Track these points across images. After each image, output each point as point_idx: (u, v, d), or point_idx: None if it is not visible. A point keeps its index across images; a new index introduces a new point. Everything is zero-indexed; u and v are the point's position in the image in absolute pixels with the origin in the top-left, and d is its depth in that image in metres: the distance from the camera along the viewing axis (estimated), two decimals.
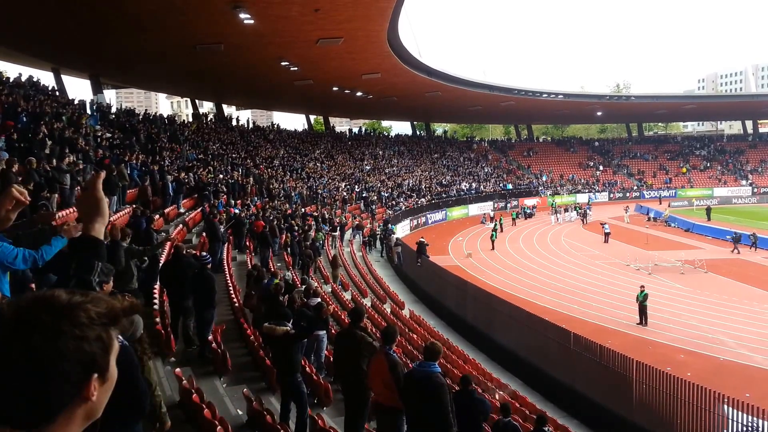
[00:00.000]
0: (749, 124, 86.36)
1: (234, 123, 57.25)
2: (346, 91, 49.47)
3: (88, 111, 31.81)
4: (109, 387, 1.33)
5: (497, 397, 14.30)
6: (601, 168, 76.79)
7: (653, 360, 16.40)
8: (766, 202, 66.42)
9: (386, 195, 54.03)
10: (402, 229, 46.74)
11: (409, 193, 57.66)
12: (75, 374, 1.21)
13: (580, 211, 58.08)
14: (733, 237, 40.18)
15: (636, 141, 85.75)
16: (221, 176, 31.53)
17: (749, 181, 72.30)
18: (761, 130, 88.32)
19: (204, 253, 13.64)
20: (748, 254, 37.49)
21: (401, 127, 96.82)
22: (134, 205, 18.89)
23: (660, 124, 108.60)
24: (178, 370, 9.33)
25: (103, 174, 2.44)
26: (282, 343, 8.87)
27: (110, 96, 52.56)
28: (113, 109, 37.51)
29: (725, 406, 12.64)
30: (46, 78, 35.37)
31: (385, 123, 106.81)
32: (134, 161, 23.05)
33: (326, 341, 12.77)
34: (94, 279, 2.17)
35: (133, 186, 20.98)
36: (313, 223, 32.03)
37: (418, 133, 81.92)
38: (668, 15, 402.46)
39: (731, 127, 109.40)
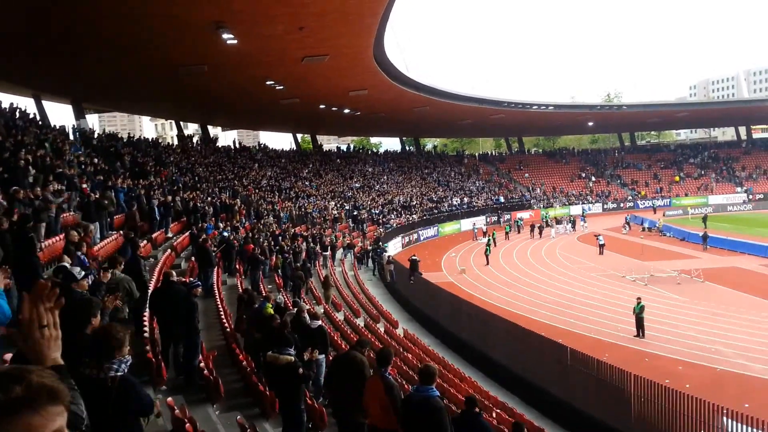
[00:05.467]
0: (743, 130, 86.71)
1: (219, 144, 57.17)
2: (334, 109, 49.36)
3: (71, 137, 31.56)
4: None
5: (494, 415, 14.09)
6: (593, 179, 76.93)
7: (651, 372, 16.27)
8: (761, 209, 66.45)
9: (377, 212, 53.88)
10: (394, 247, 46.61)
11: (400, 210, 57.53)
12: None
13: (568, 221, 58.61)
14: (703, 235, 43.17)
15: (629, 150, 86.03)
16: (209, 199, 31.35)
17: (744, 188, 72.54)
18: (755, 135, 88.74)
19: (192, 279, 13.42)
20: (742, 262, 37.54)
21: (390, 144, 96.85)
22: (122, 231, 18.70)
23: (653, 132, 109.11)
24: (170, 399, 9.10)
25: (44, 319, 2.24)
26: (286, 373, 8.75)
27: (93, 120, 52.37)
28: (96, 134, 37.17)
29: (724, 418, 12.51)
30: (26, 105, 35.07)
31: (373, 139, 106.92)
32: (120, 185, 22.85)
33: (325, 366, 12.56)
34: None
35: (120, 211, 20.75)
36: (303, 243, 31.85)
37: (407, 148, 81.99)
38: (657, 23, 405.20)
39: (724, 134, 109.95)
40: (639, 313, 23.64)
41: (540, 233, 55.00)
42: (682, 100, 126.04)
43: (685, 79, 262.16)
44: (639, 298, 24.28)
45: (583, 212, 65.41)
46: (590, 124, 76.84)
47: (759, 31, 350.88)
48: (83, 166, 23.35)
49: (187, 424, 7.61)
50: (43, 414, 1.28)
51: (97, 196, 18.34)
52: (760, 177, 74.61)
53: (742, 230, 49.02)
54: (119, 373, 4.17)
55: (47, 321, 2.11)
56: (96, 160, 26.09)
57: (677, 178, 75.44)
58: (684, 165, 79.08)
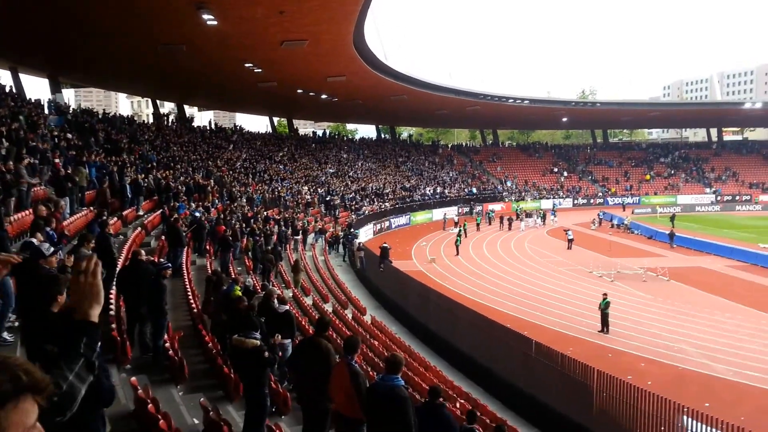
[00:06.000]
0: (714, 131, 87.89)
1: (195, 124, 56.69)
2: (311, 94, 49.23)
3: (46, 111, 31.14)
4: None
5: (458, 405, 14.22)
6: (565, 174, 77.54)
7: (614, 368, 16.47)
8: (728, 210, 67.69)
9: (349, 198, 53.84)
10: (365, 234, 46.63)
11: (372, 197, 57.52)
12: None
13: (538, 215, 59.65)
14: (670, 233, 44.36)
15: (601, 147, 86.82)
16: (182, 178, 31.09)
17: (713, 189, 73.56)
18: (725, 137, 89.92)
19: (162, 260, 13.35)
20: (708, 262, 38.09)
21: (366, 131, 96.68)
22: (92, 208, 18.53)
23: (625, 130, 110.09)
24: (133, 378, 9.07)
25: (99, 263, 2.46)
26: (251, 357, 8.73)
27: (69, 95, 51.73)
28: (71, 109, 36.72)
29: (685, 417, 12.68)
30: (1, 76, 34.66)
31: (349, 126, 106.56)
32: (93, 160, 22.61)
33: (291, 350, 12.56)
34: (95, 360, 2.28)
35: (91, 187, 20.54)
36: (275, 226, 31.72)
37: (383, 136, 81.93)
38: (634, 21, 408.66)
39: (696, 135, 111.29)
40: (604, 308, 23.88)
41: (509, 226, 55.45)
42: (655, 100, 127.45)
43: (660, 79, 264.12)
44: (605, 294, 24.53)
45: (553, 207, 66.00)
46: (564, 119, 77.36)
47: (734, 35, 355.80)
48: (56, 140, 23.08)
49: (150, 405, 7.60)
50: (21, 408, 1.32)
51: (69, 171, 18.15)
52: (729, 179, 75.73)
53: (709, 231, 49.72)
54: None
55: (85, 267, 2.31)
56: (69, 135, 25.78)
57: (648, 177, 76.31)
58: (654, 164, 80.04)
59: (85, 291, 2.30)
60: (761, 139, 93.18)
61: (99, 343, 2.33)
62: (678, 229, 47.07)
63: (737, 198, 71.36)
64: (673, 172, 77.79)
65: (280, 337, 11.41)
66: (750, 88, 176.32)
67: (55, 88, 38.65)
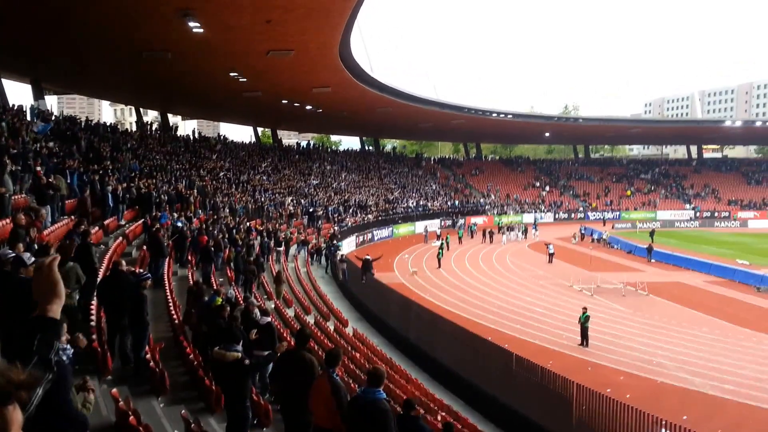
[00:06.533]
0: (694, 149, 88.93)
1: (179, 133, 56.45)
2: (296, 104, 49.18)
3: (29, 117, 30.88)
4: None
5: (439, 417, 14.23)
6: (547, 188, 77.98)
7: (593, 381, 16.57)
8: (707, 227, 68.32)
9: (332, 210, 53.79)
10: (348, 245, 46.64)
11: (356, 209, 57.51)
12: None
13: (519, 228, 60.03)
14: (648, 248, 44.94)
15: (582, 163, 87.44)
16: (164, 187, 30.92)
17: (692, 205, 74.25)
18: (705, 155, 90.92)
19: (141, 270, 13.29)
20: (686, 277, 38.39)
21: (350, 142, 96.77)
22: (73, 217, 18.40)
23: (606, 146, 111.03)
24: (114, 390, 9.02)
25: (57, 257, 2.51)
26: (233, 369, 8.72)
27: (51, 102, 51.21)
28: (53, 116, 36.37)
29: (663, 430, 12.79)
30: None
31: (333, 137, 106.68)
32: (76, 167, 22.46)
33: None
34: (52, 357, 2.25)
35: (72, 196, 20.38)
36: (257, 237, 31.60)
37: (367, 148, 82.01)
38: (617, 39, 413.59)
39: (676, 152, 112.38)
40: (584, 322, 24.04)
41: (491, 239, 55.66)
42: (636, 117, 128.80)
43: (642, 96, 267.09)
44: (585, 308, 24.69)
45: (535, 221, 66.36)
46: (547, 134, 77.85)
47: (716, 54, 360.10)
48: (38, 148, 22.89)
49: (131, 417, 7.57)
50: (17, 406, 1.37)
51: (50, 179, 18.01)
52: (708, 196, 76.47)
53: (687, 246, 50.14)
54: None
55: (40, 262, 2.39)
56: (52, 144, 25.58)
57: (629, 192, 76.98)
58: (635, 180, 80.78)
59: (42, 285, 2.33)
60: (740, 156, 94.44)
61: (58, 341, 2.31)
62: (657, 244, 47.46)
63: (716, 214, 72.03)
64: (653, 188, 78.52)
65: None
66: (730, 107, 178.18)
67: (38, 95, 38.25)
